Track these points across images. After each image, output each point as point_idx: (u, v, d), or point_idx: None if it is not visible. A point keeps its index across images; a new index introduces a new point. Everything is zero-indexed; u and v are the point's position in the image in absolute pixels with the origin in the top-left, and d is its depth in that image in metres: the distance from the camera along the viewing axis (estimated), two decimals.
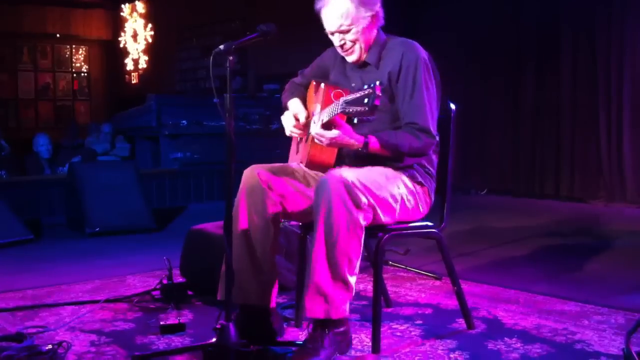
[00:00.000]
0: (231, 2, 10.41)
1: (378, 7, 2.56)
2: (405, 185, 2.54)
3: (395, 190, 2.48)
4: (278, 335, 2.60)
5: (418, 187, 2.59)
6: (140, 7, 12.73)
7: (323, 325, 2.34)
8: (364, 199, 2.33)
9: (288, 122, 2.74)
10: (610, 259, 4.20)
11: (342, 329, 2.37)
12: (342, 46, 2.59)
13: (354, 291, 2.37)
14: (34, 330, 2.81)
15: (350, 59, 2.62)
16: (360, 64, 2.64)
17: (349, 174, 2.34)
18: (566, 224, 5.59)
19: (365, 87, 2.23)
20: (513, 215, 6.11)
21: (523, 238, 4.91)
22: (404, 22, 7.69)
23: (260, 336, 2.55)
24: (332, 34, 2.58)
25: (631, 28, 6.42)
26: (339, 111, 2.31)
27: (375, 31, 2.60)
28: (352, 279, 2.35)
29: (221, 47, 2.38)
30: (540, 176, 7.21)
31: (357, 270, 2.37)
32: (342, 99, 2.31)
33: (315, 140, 2.47)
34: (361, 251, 2.36)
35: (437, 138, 2.57)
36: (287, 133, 2.77)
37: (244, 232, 2.55)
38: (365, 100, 2.21)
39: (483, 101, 7.65)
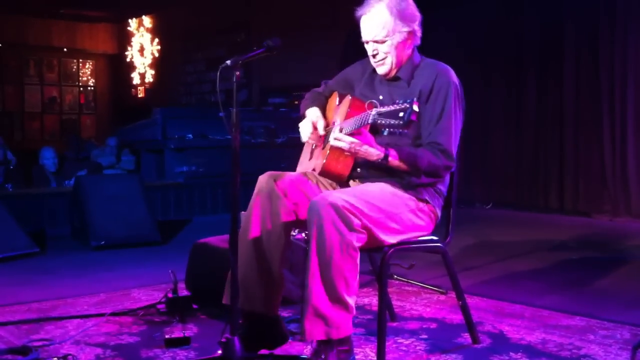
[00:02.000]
0: (235, 14, 10.48)
1: (416, 25, 2.58)
2: (407, 205, 2.52)
3: (394, 210, 2.46)
4: (282, 343, 2.60)
5: (422, 204, 2.56)
6: (147, 21, 12.82)
7: (326, 343, 2.34)
8: (356, 220, 2.31)
9: (306, 129, 2.73)
10: (616, 274, 4.19)
11: (346, 347, 2.35)
12: (374, 56, 2.59)
13: (354, 311, 2.35)
14: (39, 343, 2.81)
15: (381, 70, 2.62)
16: (391, 78, 2.64)
17: (338, 196, 2.33)
18: (571, 238, 5.57)
19: (400, 101, 2.23)
20: (518, 229, 6.10)
21: (528, 252, 4.90)
22: None
23: (265, 343, 2.55)
24: (367, 42, 2.59)
25: (634, 35, 6.42)
26: (369, 121, 2.31)
27: (409, 50, 2.61)
28: (351, 300, 2.33)
29: (228, 62, 2.39)
30: (544, 188, 7.20)
31: (355, 290, 2.35)
32: (374, 110, 2.31)
33: (334, 143, 2.44)
34: (358, 272, 2.34)
35: (456, 164, 2.55)
36: (303, 139, 2.76)
37: (256, 239, 2.53)
38: (401, 114, 2.21)
39: (485, 112, 7.65)
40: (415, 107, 2.19)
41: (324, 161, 2.55)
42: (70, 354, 2.62)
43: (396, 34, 2.53)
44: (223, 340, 2.35)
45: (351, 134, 2.41)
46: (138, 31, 13.04)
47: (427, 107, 2.54)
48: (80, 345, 2.81)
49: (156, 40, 12.67)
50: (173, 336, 2.81)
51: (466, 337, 2.82)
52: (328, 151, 2.53)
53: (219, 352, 2.36)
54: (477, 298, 3.49)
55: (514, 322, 3.10)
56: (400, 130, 2.25)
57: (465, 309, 2.75)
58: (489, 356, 2.63)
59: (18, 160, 8.19)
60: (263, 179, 2.59)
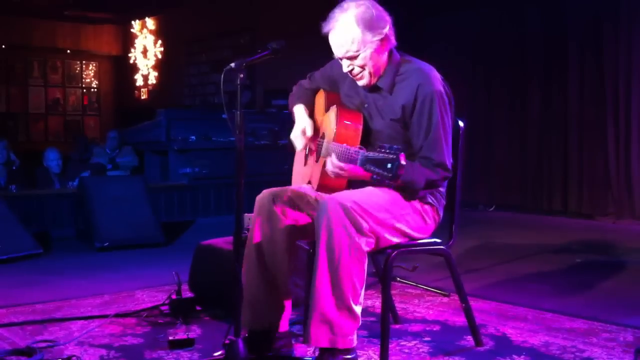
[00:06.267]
0: (240, 16, 10.48)
1: (387, 29, 2.43)
2: (412, 206, 2.52)
3: (399, 211, 2.46)
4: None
5: (426, 206, 2.56)
6: (150, 23, 12.84)
7: (330, 352, 2.33)
8: (365, 224, 2.30)
9: (298, 140, 2.67)
10: (619, 276, 4.19)
11: (349, 356, 2.35)
12: (350, 72, 2.50)
13: (360, 321, 2.35)
14: (43, 344, 2.82)
15: (361, 83, 2.53)
16: (373, 88, 2.55)
17: (347, 198, 2.31)
18: (575, 240, 5.57)
19: (387, 147, 2.11)
20: (521, 232, 6.09)
21: (531, 255, 4.90)
22: (407, 34, 7.69)
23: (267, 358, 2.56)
24: (340, 59, 2.50)
25: (639, 37, 6.41)
26: (358, 165, 2.21)
27: (385, 55, 2.49)
28: (358, 309, 2.33)
29: (232, 64, 2.39)
30: (548, 191, 7.19)
31: (361, 299, 2.34)
32: (362, 153, 2.19)
33: (332, 171, 2.40)
34: (364, 278, 2.33)
35: (452, 170, 2.50)
36: (299, 148, 2.72)
37: (261, 259, 2.55)
38: (389, 166, 2.09)
39: (489, 114, 7.65)
40: (403, 161, 2.06)
41: (321, 177, 2.52)
42: (74, 355, 2.63)
43: (368, 45, 2.41)
44: (227, 341, 2.35)
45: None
46: (141, 33, 13.06)
47: (414, 119, 2.45)
48: (84, 347, 2.82)
49: (159, 42, 12.69)
50: (177, 338, 2.81)
51: (469, 340, 2.82)
52: (323, 168, 2.49)
53: (223, 353, 2.38)
54: (480, 300, 3.49)
55: (517, 324, 3.09)
56: (388, 182, 2.12)
57: (468, 312, 2.75)
58: (492, 359, 2.63)
59: (22, 162, 8.20)
60: (261, 201, 2.58)
